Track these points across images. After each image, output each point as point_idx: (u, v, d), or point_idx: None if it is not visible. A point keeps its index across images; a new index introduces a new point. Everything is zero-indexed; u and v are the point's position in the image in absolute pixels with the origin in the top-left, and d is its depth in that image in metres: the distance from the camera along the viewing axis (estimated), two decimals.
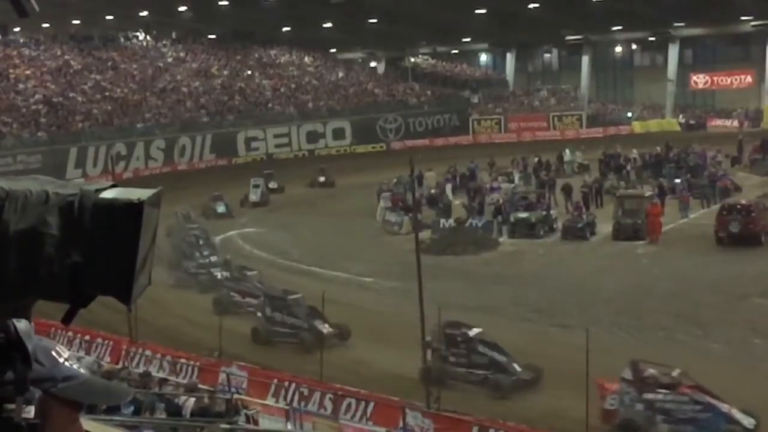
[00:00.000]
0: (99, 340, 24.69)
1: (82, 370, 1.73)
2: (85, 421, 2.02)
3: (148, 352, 23.52)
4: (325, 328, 24.74)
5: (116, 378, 17.01)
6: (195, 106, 66.82)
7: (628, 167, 46.70)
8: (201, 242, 33.32)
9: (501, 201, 38.83)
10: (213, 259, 32.45)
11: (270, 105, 69.83)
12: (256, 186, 45.96)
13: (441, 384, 20.57)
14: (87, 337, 24.78)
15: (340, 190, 48.82)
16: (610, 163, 47.60)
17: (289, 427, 18.37)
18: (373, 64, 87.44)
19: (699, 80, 76.62)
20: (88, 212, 1.68)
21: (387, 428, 18.87)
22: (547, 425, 18.54)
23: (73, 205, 1.69)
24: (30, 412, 1.66)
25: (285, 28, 74.81)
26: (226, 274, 30.37)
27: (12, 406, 1.65)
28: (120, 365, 22.35)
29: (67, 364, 1.71)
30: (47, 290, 1.69)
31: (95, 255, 1.67)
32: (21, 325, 1.70)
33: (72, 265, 1.67)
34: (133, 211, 1.68)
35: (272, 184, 47.57)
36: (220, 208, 42.70)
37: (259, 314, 26.28)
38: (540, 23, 68.62)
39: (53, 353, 1.72)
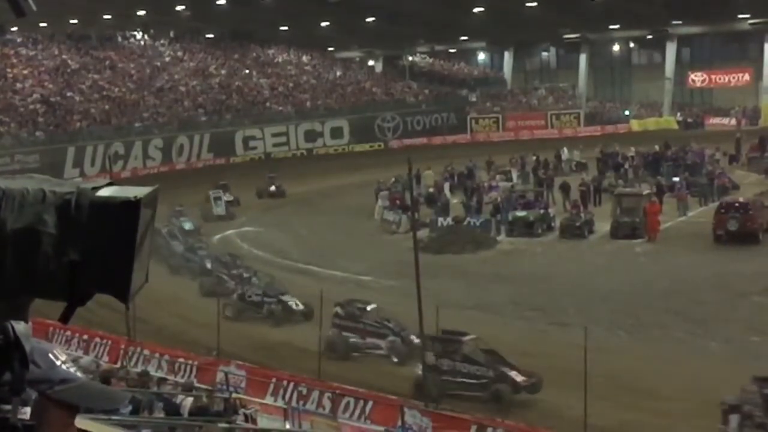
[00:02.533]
0: (97, 339, 24.68)
1: (78, 374, 1.73)
2: (84, 421, 2.02)
3: (146, 352, 23.52)
4: (518, 377, 20.64)
5: (114, 377, 17.03)
6: (193, 105, 66.77)
7: (626, 165, 46.70)
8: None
9: (499, 200, 38.83)
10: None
11: (268, 104, 69.78)
12: (218, 198, 43.05)
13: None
14: (85, 337, 24.78)
15: (340, 189, 48.73)
16: (608, 161, 47.59)
17: (288, 426, 18.37)
18: (370, 62, 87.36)
19: (697, 78, 76.62)
20: (85, 210, 1.68)
21: (386, 427, 18.88)
22: (545, 424, 18.54)
23: (70, 204, 1.69)
24: (26, 413, 1.66)
25: (282, 28, 74.73)
26: (300, 306, 27.59)
27: (8, 407, 1.65)
28: (118, 364, 22.34)
29: (63, 366, 1.71)
30: (45, 288, 1.68)
31: (92, 253, 1.67)
32: (19, 326, 1.70)
33: (69, 263, 1.67)
34: (129, 209, 1.68)
35: (227, 197, 43.81)
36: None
37: (419, 367, 21.21)
38: (538, 22, 68.57)
39: (50, 356, 1.72)
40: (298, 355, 24.02)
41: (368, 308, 24.90)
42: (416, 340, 22.42)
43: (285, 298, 27.64)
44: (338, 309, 24.74)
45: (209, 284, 30.35)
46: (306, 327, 25.86)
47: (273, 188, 48.23)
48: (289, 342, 25.46)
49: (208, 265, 32.10)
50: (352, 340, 24.29)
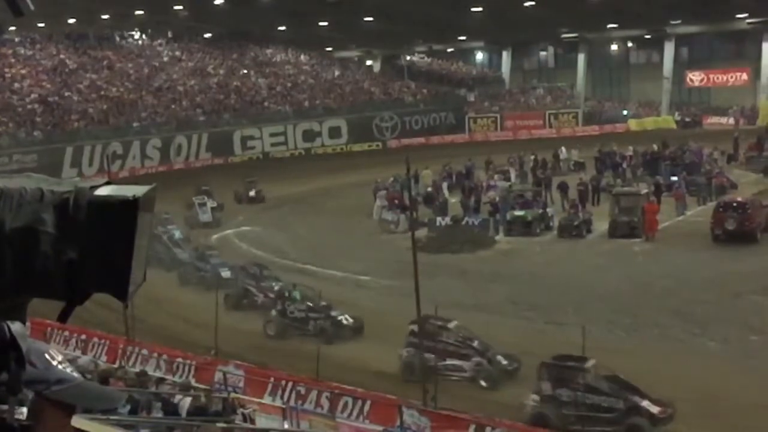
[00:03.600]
0: (95, 339, 24.67)
1: (74, 374, 1.73)
2: (82, 421, 2.02)
3: (144, 351, 23.50)
4: (652, 407, 18.64)
5: (113, 377, 17.02)
6: (191, 105, 66.77)
7: (624, 165, 46.73)
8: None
9: (497, 199, 38.84)
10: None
11: (266, 104, 69.79)
12: (202, 204, 41.06)
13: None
14: (83, 337, 24.76)
15: (338, 189, 48.74)
16: (606, 161, 47.59)
17: (286, 425, 18.36)
18: (369, 62, 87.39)
19: (695, 78, 76.70)
20: (84, 210, 1.68)
21: (384, 426, 18.88)
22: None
23: (68, 203, 1.69)
24: (23, 413, 1.66)
25: (281, 27, 74.72)
26: (350, 321, 25.48)
27: (5, 407, 1.65)
28: (116, 364, 22.33)
29: (60, 366, 1.71)
30: (43, 288, 1.68)
31: (91, 252, 1.67)
32: (15, 326, 1.70)
33: (68, 262, 1.67)
34: (128, 208, 1.68)
35: (211, 202, 41.91)
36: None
37: (534, 398, 19.54)
38: (536, 21, 68.56)
39: (47, 356, 1.72)
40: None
41: (449, 325, 22.60)
42: (504, 361, 21.33)
43: (334, 312, 25.49)
44: (414, 327, 21.88)
45: (235, 297, 28.21)
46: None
47: (252, 193, 46.67)
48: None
49: (224, 275, 30.02)
50: (432, 361, 21.21)
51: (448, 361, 21.75)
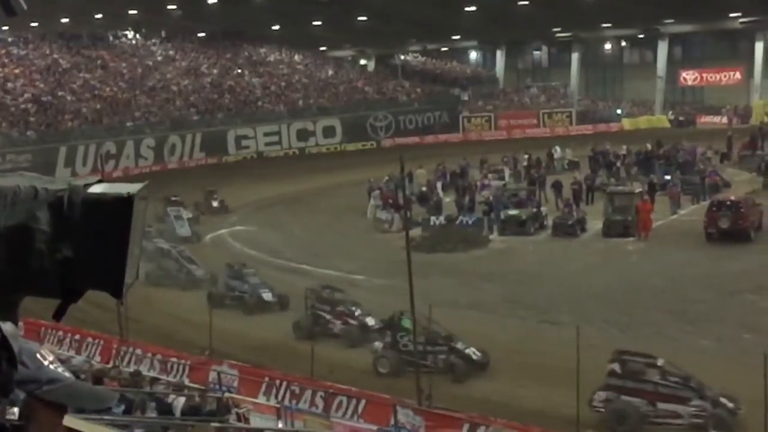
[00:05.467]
0: (89, 339, 24.64)
1: (66, 374, 1.72)
2: (75, 420, 2.02)
3: (138, 351, 23.48)
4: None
5: (107, 377, 17.00)
6: (185, 104, 66.70)
7: (618, 164, 46.78)
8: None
9: (491, 198, 38.87)
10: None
11: (260, 103, 69.75)
12: (178, 217, 37.87)
13: None
14: (77, 337, 24.73)
15: (332, 188, 48.70)
16: (600, 160, 47.66)
17: (281, 425, 18.35)
18: (362, 61, 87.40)
19: (688, 77, 76.87)
20: (78, 207, 1.68)
21: (378, 426, 18.88)
22: (539, 422, 18.55)
23: (63, 201, 1.69)
24: (14, 413, 1.66)
25: (274, 27, 74.69)
26: (478, 355, 22.22)
27: None
28: (110, 364, 22.29)
29: (51, 366, 1.71)
30: (38, 286, 1.68)
31: (85, 250, 1.67)
32: (7, 326, 1.70)
33: (62, 260, 1.67)
34: (123, 205, 1.68)
35: (186, 213, 38.97)
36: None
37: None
38: (530, 21, 68.65)
39: (38, 356, 1.71)
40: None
41: (658, 363, 19.43)
42: (729, 404, 18.44)
43: (460, 345, 22.16)
44: (615, 365, 19.10)
45: (306, 324, 24.83)
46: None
47: (215, 203, 43.68)
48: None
49: (267, 297, 27.69)
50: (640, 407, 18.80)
51: (661, 406, 18.68)
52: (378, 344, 22.82)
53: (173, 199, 39.70)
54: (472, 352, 21.92)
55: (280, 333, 25.40)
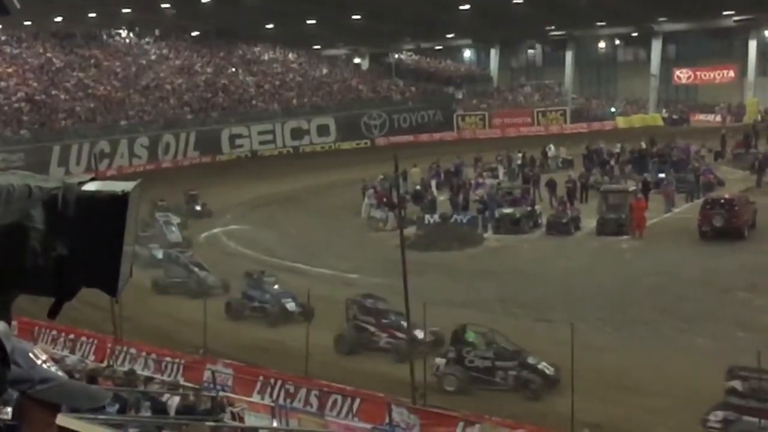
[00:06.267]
0: (84, 338, 24.61)
1: (59, 373, 1.72)
2: (69, 420, 2.01)
3: (132, 350, 23.45)
4: None
5: (101, 376, 16.98)
6: (178, 103, 66.63)
7: (612, 162, 46.84)
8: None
9: (486, 197, 38.91)
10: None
11: (254, 102, 69.71)
12: (168, 223, 36.31)
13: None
14: (71, 336, 24.70)
15: (326, 187, 48.69)
16: (594, 158, 47.73)
17: (275, 424, 18.35)
18: (356, 60, 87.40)
19: (682, 75, 76.98)
20: (72, 205, 1.68)
21: (373, 424, 18.87)
22: (533, 420, 18.57)
23: (57, 199, 1.68)
24: (7, 413, 1.65)
25: (268, 25, 74.67)
26: (551, 370, 20.58)
27: None
28: (105, 363, 22.28)
29: (44, 366, 1.71)
30: (33, 284, 1.68)
31: (80, 248, 1.67)
32: (0, 326, 1.69)
33: (57, 258, 1.67)
34: (117, 203, 1.67)
35: (175, 219, 37.32)
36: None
37: None
38: (524, 19, 68.70)
39: (31, 355, 1.71)
40: None
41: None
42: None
43: (531, 360, 20.80)
44: (735, 383, 17.43)
45: (351, 338, 23.43)
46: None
47: (198, 207, 42.46)
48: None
49: (290, 307, 26.26)
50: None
51: None
52: (440, 360, 21.19)
53: (160, 203, 38.63)
54: (545, 366, 20.53)
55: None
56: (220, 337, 24.07)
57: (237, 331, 25.92)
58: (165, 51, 74.63)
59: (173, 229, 36.08)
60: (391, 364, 22.31)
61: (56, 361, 1.82)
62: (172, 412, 15.44)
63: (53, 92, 62.81)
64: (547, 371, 20.39)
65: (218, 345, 23.61)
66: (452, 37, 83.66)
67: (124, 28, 74.39)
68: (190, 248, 34.20)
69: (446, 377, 20.88)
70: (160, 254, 32.65)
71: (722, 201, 34.08)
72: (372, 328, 23.46)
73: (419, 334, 21.84)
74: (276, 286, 27.40)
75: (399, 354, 22.07)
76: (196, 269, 30.20)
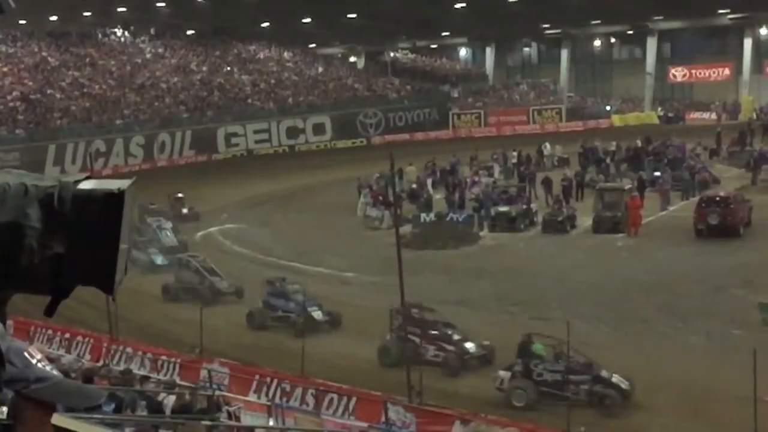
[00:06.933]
0: (79, 337, 24.56)
1: (54, 372, 1.72)
2: (65, 419, 2.02)
3: (128, 350, 23.42)
4: None
5: (97, 375, 16.96)
6: (174, 102, 66.56)
7: (608, 160, 46.88)
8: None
9: (481, 195, 38.93)
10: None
11: (249, 101, 69.66)
12: (162, 228, 35.23)
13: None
14: (67, 335, 24.66)
15: (322, 186, 48.67)
16: (590, 156, 47.76)
17: (271, 423, 18.35)
18: (352, 59, 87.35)
19: (677, 73, 77.05)
20: (68, 203, 1.68)
21: (369, 423, 18.88)
22: (527, 418, 18.59)
23: (53, 197, 1.68)
24: (3, 413, 1.65)
25: (264, 24, 74.62)
26: (625, 384, 19.47)
27: None
28: (100, 363, 22.23)
29: (39, 365, 1.71)
30: (29, 282, 1.68)
31: (77, 246, 1.67)
32: None
33: (54, 256, 1.67)
34: (113, 201, 1.67)
35: (166, 223, 36.01)
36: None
37: None
38: (519, 17, 68.74)
39: (26, 354, 1.71)
40: None
41: None
42: None
43: (604, 374, 19.57)
44: None
45: (396, 349, 22.02)
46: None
47: (185, 210, 40.89)
48: None
49: (317, 316, 25.25)
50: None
51: None
52: (504, 373, 20.02)
53: (151, 207, 37.23)
54: (619, 380, 19.39)
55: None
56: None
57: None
58: (160, 50, 74.54)
59: (168, 233, 35.12)
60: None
61: (52, 360, 1.82)
62: (168, 412, 15.43)
63: (48, 91, 62.72)
64: (622, 385, 19.32)
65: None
66: (448, 36, 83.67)
67: (119, 26, 74.29)
68: (187, 252, 33.03)
69: (514, 392, 19.73)
70: (159, 259, 32.29)
71: (718, 199, 34.14)
72: (418, 340, 21.98)
73: (470, 347, 21.25)
74: (300, 294, 26.18)
75: (450, 368, 21.39)
76: (207, 274, 29.01)
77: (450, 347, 21.72)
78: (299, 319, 25.17)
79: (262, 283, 27.05)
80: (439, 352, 21.93)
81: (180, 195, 41.86)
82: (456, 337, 21.48)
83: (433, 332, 22.36)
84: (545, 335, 20.42)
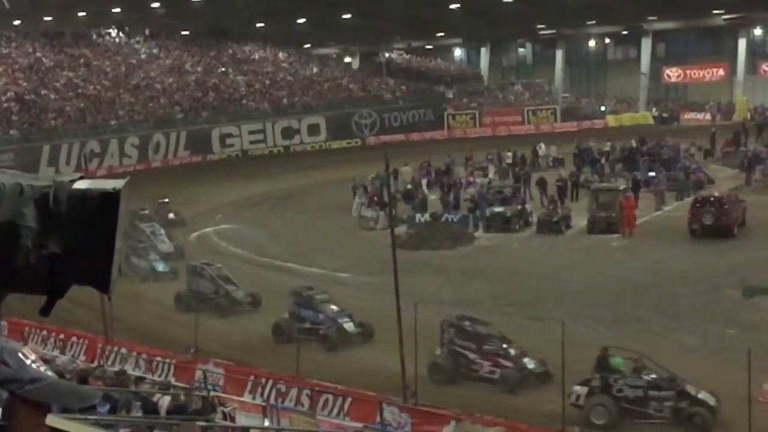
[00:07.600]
0: (74, 338, 24.53)
1: (48, 373, 1.72)
2: (59, 420, 2.01)
3: (123, 350, 23.39)
4: None
5: (92, 376, 16.94)
6: (169, 102, 66.49)
7: (603, 161, 46.94)
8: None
9: (476, 195, 38.96)
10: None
11: (244, 101, 69.61)
12: (156, 233, 34.25)
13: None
14: (62, 336, 24.63)
15: (317, 186, 48.65)
16: (584, 156, 47.82)
17: (267, 423, 18.34)
18: (347, 59, 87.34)
19: (672, 73, 77.17)
20: (64, 203, 1.68)
21: (364, 423, 18.88)
22: (525, 418, 18.60)
23: (48, 197, 1.68)
24: None
25: (259, 24, 74.59)
26: (712, 400, 18.54)
27: None
28: (95, 363, 22.22)
29: (34, 366, 1.71)
30: (25, 282, 1.68)
31: (72, 245, 1.67)
32: None
33: (50, 256, 1.67)
34: (109, 200, 1.68)
35: (160, 230, 34.84)
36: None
37: None
38: (514, 18, 68.79)
39: (20, 355, 1.71)
40: None
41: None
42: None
43: (690, 389, 18.68)
44: None
45: (447, 364, 21.35)
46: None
47: (171, 215, 39.56)
48: None
49: (349, 327, 24.27)
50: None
51: None
52: (579, 389, 19.03)
53: (141, 212, 35.91)
54: (706, 396, 18.44)
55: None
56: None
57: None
58: (155, 50, 74.47)
59: (163, 239, 34.11)
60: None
61: (47, 361, 1.82)
62: (163, 412, 15.41)
63: (43, 92, 62.61)
64: (710, 401, 18.35)
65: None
66: (443, 36, 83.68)
67: (113, 27, 74.18)
68: (184, 258, 32.26)
69: (594, 408, 18.78)
70: (161, 266, 31.68)
71: (712, 199, 34.22)
72: (472, 355, 21.25)
73: (528, 363, 20.64)
74: (329, 304, 24.95)
75: (508, 385, 20.65)
76: (222, 283, 27.91)
77: (508, 363, 20.89)
78: (329, 331, 24.15)
79: (287, 294, 25.60)
80: (494, 368, 20.99)
81: (166, 200, 40.37)
82: (513, 352, 20.55)
83: (487, 347, 21.36)
84: (623, 348, 19.50)
